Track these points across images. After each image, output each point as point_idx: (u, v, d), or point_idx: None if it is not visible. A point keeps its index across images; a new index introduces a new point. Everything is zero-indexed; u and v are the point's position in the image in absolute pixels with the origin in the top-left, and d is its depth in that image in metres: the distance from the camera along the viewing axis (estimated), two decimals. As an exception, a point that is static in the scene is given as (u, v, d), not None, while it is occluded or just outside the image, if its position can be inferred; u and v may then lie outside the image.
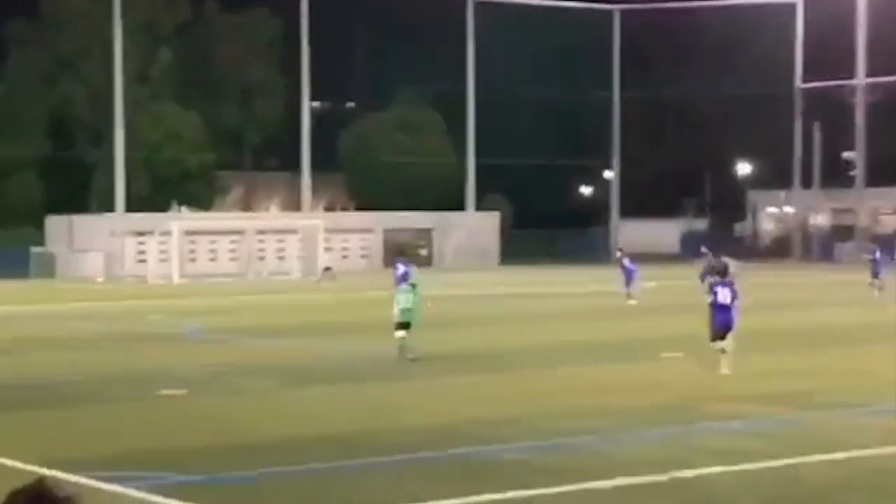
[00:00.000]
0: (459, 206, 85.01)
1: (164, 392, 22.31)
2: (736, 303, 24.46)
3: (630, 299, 46.46)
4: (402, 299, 26.90)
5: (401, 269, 43.77)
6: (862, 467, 15.72)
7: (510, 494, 14.08)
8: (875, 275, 49.17)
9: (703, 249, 48.46)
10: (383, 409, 20.65)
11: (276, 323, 37.74)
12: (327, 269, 61.23)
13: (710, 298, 24.75)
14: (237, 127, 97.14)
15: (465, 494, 14.13)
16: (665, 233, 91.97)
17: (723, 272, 25.23)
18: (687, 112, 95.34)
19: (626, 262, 48.73)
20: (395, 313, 26.82)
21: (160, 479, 14.99)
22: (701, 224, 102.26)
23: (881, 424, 18.66)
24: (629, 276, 48.12)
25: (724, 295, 24.41)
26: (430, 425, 18.93)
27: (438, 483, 14.84)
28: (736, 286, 24.67)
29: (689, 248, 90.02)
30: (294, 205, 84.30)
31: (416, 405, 21.22)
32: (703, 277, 24.60)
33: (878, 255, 50.38)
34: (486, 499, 13.98)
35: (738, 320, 24.54)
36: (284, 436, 18.09)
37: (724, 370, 24.08)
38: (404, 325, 26.69)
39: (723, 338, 24.30)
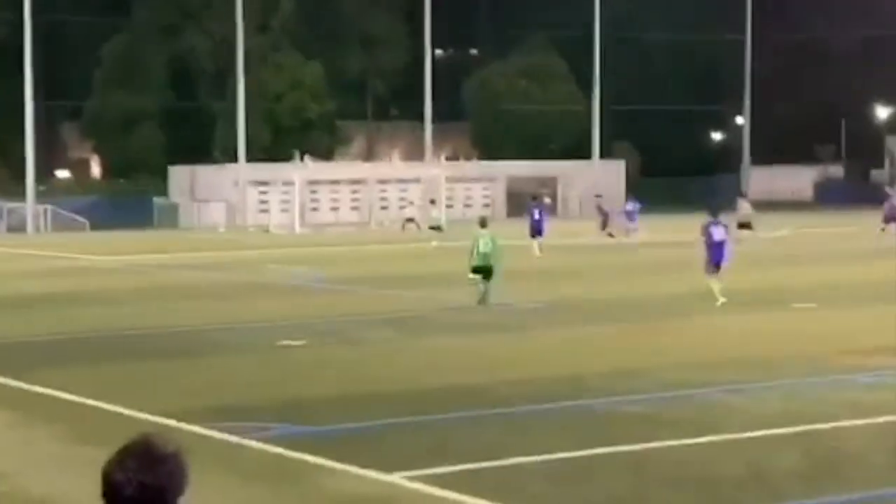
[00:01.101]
0: (586, 154, 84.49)
1: (284, 342, 22.57)
2: (728, 239, 29.08)
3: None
4: (481, 244, 28.30)
5: (536, 213, 45.92)
6: None
7: (635, 447, 14.04)
8: (891, 219, 50.51)
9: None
10: (504, 361, 20.67)
11: (395, 273, 37.91)
12: (410, 220, 60.83)
13: (704, 238, 28.56)
14: (360, 76, 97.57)
15: (590, 446, 14.11)
16: (798, 180, 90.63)
17: (714, 213, 29.28)
18: (822, 55, 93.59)
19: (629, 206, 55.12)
20: (473, 256, 28.33)
21: (278, 429, 15.17)
22: (836, 171, 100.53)
23: None
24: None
25: (718, 233, 28.50)
26: (553, 376, 18.90)
27: (562, 434, 14.82)
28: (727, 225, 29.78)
29: (824, 196, 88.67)
30: (417, 154, 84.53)
31: (539, 356, 21.19)
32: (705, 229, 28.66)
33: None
34: (610, 451, 13.94)
35: (731, 255, 28.85)
36: (403, 387, 18.20)
37: (721, 299, 27.46)
38: (479, 270, 28.16)
39: (717, 271, 28.33)
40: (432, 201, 59.12)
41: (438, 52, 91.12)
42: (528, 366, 20.01)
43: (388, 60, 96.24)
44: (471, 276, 28.37)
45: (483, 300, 28.03)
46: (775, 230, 56.71)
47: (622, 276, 36.05)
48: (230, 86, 78.89)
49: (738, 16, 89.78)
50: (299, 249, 50.31)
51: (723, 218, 29.79)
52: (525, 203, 59.99)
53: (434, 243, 49.16)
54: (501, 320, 25.88)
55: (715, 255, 28.34)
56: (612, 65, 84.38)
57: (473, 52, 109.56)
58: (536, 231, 45.21)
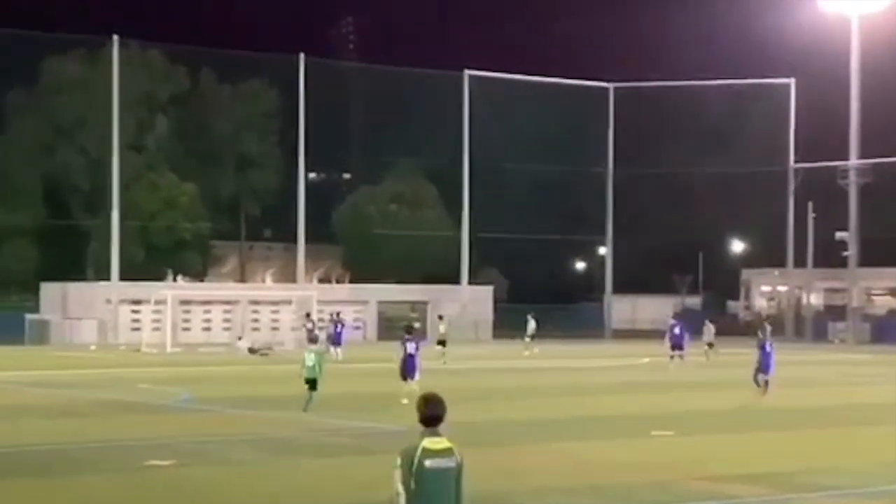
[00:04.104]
0: (455, 279, 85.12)
1: (152, 462, 22.28)
2: (419, 351, 34.07)
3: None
4: (307, 359, 31.79)
5: (336, 328, 57.16)
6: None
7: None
8: (676, 347, 52.34)
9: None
10: (365, 483, 20.59)
11: (266, 394, 37.69)
12: (252, 349, 61.59)
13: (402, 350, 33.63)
14: (233, 197, 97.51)
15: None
16: (658, 309, 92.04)
17: (409, 330, 35.12)
18: (682, 189, 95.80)
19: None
20: (303, 371, 31.79)
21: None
22: (694, 301, 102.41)
23: (865, 506, 18.67)
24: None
25: (410, 347, 33.64)
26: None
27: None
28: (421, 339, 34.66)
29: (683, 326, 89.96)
30: (289, 275, 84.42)
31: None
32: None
33: (677, 329, 53.15)
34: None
35: (420, 365, 33.86)
36: (269, 508, 18.05)
37: (405, 400, 31.02)
38: (307, 381, 31.43)
39: (411, 378, 33.06)
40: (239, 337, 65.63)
41: (311, 175, 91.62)
42: (386, 489, 19.89)
43: (261, 182, 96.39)
44: (306, 386, 31.39)
45: (307, 408, 30.68)
46: (637, 358, 57.60)
47: (479, 401, 36.20)
48: (104, 204, 78.37)
49: (601, 149, 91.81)
50: (170, 369, 49.76)
51: (416, 335, 34.99)
52: (396, 327, 64.33)
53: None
54: (365, 443, 25.84)
55: (408, 365, 33.42)
56: (480, 192, 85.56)
57: (346, 176, 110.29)
58: (335, 342, 56.02)
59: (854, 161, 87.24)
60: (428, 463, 10.22)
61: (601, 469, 22.40)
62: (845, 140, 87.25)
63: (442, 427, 10.05)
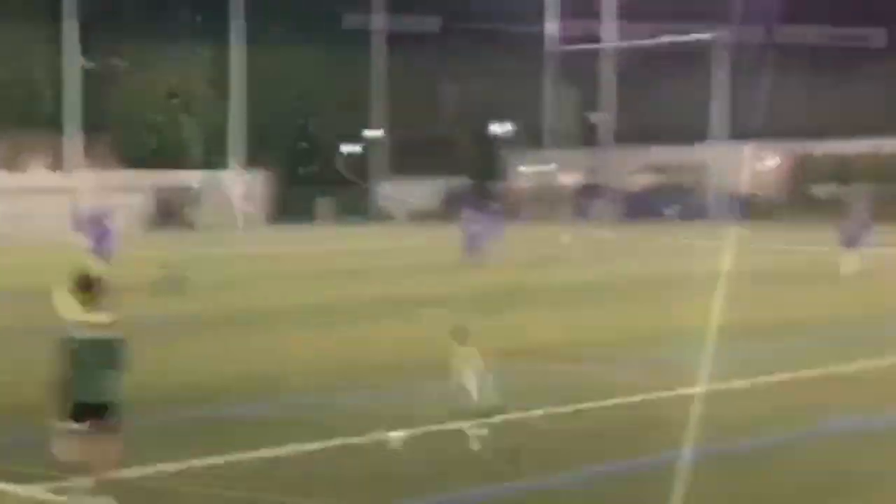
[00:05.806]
0: (228, 165, 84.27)
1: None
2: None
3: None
4: None
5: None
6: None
7: (261, 452, 14.11)
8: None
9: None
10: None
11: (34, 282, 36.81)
12: None
13: None
14: (2, 85, 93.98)
15: (218, 453, 14.00)
16: (424, 192, 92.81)
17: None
18: (447, 74, 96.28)
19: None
20: None
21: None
22: (457, 182, 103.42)
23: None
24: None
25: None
26: (182, 383, 18.80)
27: (183, 443, 14.61)
28: None
29: (451, 207, 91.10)
30: (60, 164, 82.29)
31: (169, 363, 20.63)
32: None
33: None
34: (236, 458, 13.95)
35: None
36: None
37: None
38: None
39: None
40: None
41: (83, 61, 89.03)
42: (155, 373, 19.26)
43: (30, 67, 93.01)
44: None
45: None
46: (401, 241, 58.13)
47: (258, 288, 36.21)
48: None
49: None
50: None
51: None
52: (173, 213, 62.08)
53: None
54: (135, 329, 25.52)
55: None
56: (253, 77, 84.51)
57: (119, 62, 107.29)
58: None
59: (610, 43, 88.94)
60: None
61: (369, 350, 22.68)
62: (602, 22, 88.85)
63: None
